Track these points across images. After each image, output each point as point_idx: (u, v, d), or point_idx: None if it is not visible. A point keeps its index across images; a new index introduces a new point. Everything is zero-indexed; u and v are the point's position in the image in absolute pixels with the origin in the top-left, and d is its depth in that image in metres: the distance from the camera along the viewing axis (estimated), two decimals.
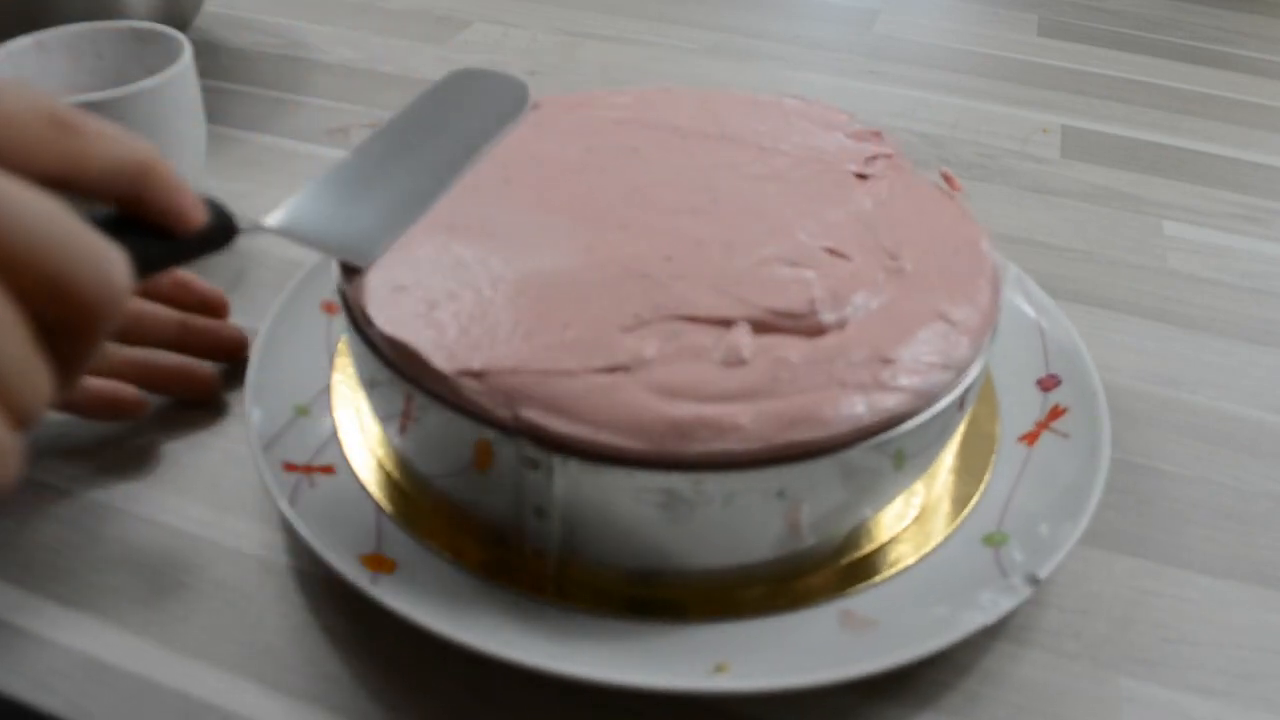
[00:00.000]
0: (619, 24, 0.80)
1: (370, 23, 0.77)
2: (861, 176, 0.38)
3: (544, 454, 0.28)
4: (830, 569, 0.32)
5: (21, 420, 0.16)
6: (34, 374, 0.16)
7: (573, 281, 0.31)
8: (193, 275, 0.42)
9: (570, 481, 0.28)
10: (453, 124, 0.38)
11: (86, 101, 0.42)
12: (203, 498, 0.36)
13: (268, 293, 0.47)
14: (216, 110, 0.62)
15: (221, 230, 0.26)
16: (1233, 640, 0.34)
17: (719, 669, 0.28)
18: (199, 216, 0.24)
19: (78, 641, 0.31)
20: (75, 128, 0.20)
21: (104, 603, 0.32)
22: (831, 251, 0.33)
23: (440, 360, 0.29)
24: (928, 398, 0.29)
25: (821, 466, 0.28)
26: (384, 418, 0.33)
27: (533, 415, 0.28)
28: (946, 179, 0.40)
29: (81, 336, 0.18)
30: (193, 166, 0.49)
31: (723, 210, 0.35)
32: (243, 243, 0.50)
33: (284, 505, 0.32)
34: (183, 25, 0.65)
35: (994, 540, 0.33)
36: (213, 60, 0.69)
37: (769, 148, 0.39)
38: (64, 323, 0.17)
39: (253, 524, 0.35)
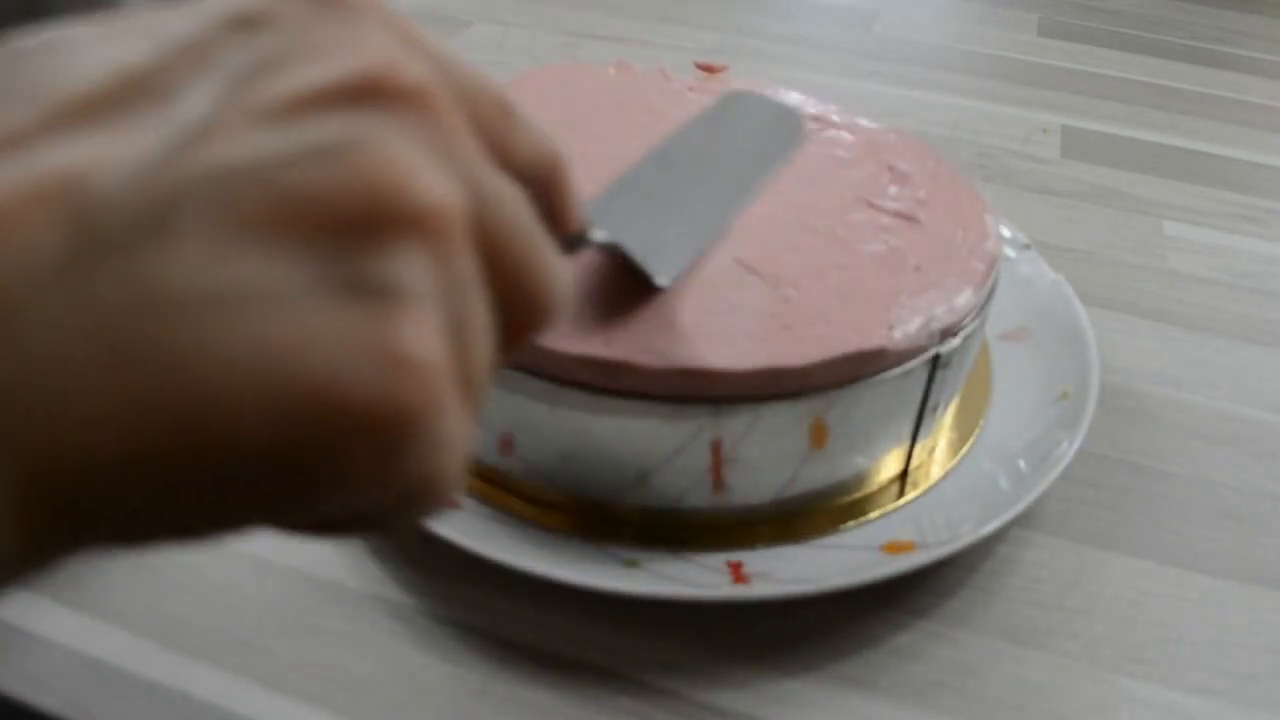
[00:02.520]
0: (619, 24, 0.80)
1: None
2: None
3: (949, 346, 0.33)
4: None
5: (474, 389, 0.16)
6: (487, 347, 0.16)
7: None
8: None
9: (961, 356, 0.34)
10: (730, 150, 0.35)
11: None
12: None
13: None
14: None
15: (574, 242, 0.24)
16: (1233, 640, 0.34)
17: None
18: (579, 220, 0.23)
19: (78, 641, 0.31)
20: (513, 113, 0.19)
21: (104, 603, 0.32)
22: None
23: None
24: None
25: None
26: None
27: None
28: (704, 68, 0.40)
29: (512, 338, 0.17)
30: None
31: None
32: None
33: None
34: None
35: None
36: None
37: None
38: (508, 319, 0.17)
39: None
